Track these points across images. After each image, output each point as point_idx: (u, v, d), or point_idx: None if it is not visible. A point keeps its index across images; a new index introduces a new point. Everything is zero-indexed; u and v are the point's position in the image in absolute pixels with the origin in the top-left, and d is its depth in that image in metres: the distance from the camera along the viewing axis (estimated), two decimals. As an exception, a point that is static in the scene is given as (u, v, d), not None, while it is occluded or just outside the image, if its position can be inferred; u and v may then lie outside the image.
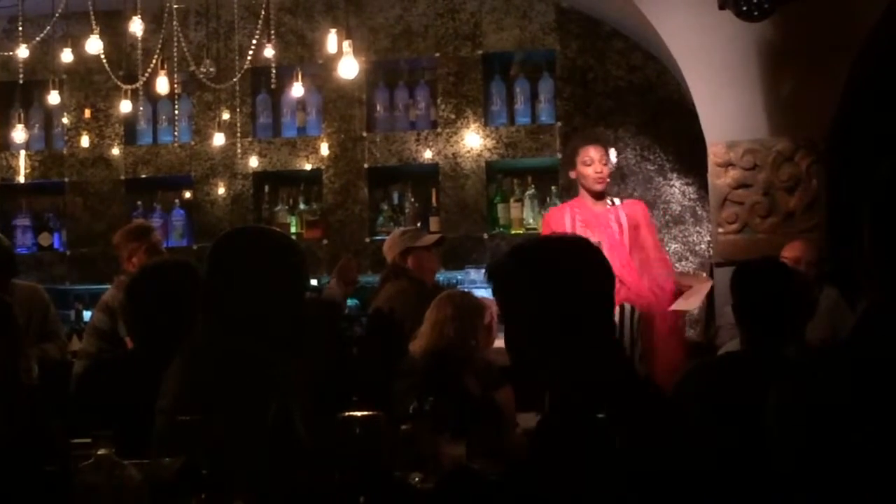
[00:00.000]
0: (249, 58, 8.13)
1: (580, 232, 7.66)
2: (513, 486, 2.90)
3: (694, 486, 2.68)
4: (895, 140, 7.84)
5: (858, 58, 8.14)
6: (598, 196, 7.73)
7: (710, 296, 8.33)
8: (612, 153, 7.88)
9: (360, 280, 9.43)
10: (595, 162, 7.69)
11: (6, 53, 8.88)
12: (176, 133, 9.85)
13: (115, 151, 10.32)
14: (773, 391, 2.33)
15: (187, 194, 10.39)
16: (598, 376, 2.86)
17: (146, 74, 7.90)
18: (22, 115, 10.23)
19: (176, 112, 9.33)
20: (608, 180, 7.80)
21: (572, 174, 7.86)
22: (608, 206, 7.73)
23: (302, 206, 10.14)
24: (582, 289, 2.93)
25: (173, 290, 4.40)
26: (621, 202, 7.84)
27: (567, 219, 7.76)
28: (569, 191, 9.40)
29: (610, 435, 2.66)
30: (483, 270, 9.05)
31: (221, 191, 10.16)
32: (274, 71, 7.96)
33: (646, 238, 7.76)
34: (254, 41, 7.96)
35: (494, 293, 3.02)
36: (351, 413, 3.35)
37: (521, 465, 3.00)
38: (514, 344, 3.00)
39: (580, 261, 2.99)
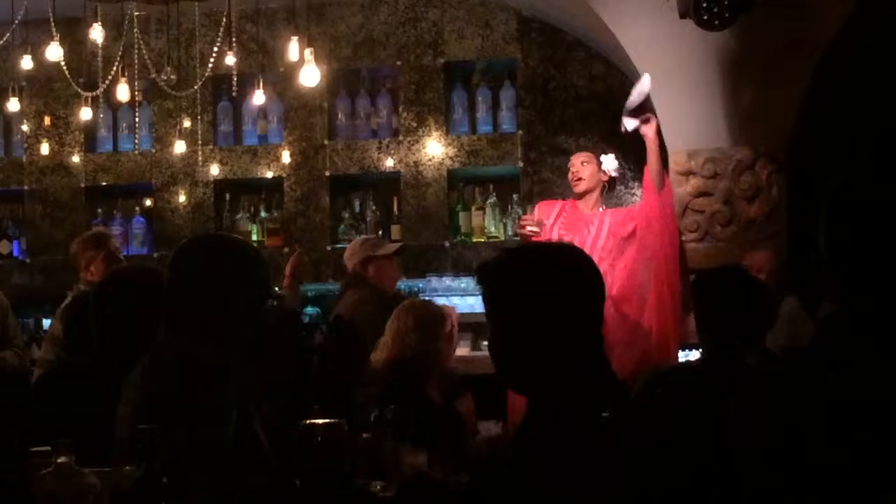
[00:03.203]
0: (210, 66, 8.10)
1: (558, 230, 7.84)
2: (479, 494, 2.89)
3: (663, 496, 2.68)
4: (855, 149, 7.87)
5: (819, 67, 8.18)
6: (589, 200, 8.09)
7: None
8: (606, 159, 8.14)
9: (321, 288, 9.45)
10: (571, 167, 8.23)
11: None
12: (136, 141, 9.81)
13: (75, 159, 10.27)
14: (733, 398, 2.33)
15: (148, 202, 10.36)
16: (582, 387, 2.85)
17: (107, 82, 7.86)
18: (-19, 122, 10.19)
19: (136, 120, 9.30)
20: (589, 179, 8.17)
21: None
22: (597, 212, 7.96)
23: (263, 215, 10.13)
24: (571, 297, 2.92)
25: (140, 297, 4.36)
26: (612, 209, 8.14)
27: (555, 212, 8.04)
28: (531, 199, 9.43)
29: (590, 445, 2.66)
30: (443, 278, 9.07)
31: (182, 199, 10.13)
32: (235, 79, 7.93)
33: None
34: (215, 49, 7.94)
35: (483, 296, 3.01)
36: (313, 421, 3.35)
37: (489, 472, 2.98)
38: (498, 348, 2.98)
39: (571, 269, 2.97)
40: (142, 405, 3.43)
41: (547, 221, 8.00)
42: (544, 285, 2.91)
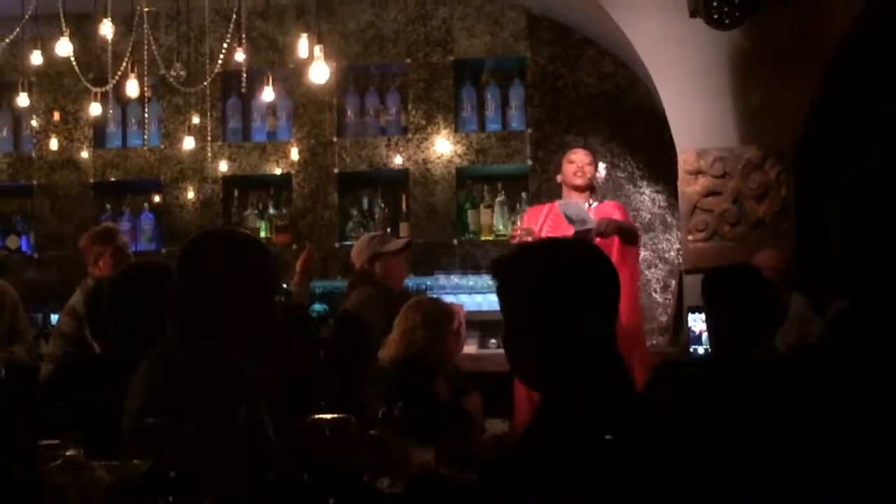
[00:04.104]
0: (220, 62, 8.09)
1: (546, 229, 7.79)
2: (487, 491, 2.89)
3: (668, 491, 2.68)
4: (864, 148, 7.86)
5: (828, 66, 8.17)
6: (577, 190, 7.95)
7: (679, 302, 8.37)
8: (602, 166, 8.13)
9: (329, 285, 9.45)
10: (577, 161, 8.13)
11: (-25, 55, 8.86)
12: (145, 136, 9.81)
13: (84, 154, 10.28)
14: (741, 395, 2.33)
15: (156, 198, 10.37)
16: (594, 383, 2.84)
17: (116, 77, 7.85)
18: (-10, 117, 10.20)
19: (146, 115, 9.31)
20: (589, 178, 8.13)
21: (559, 178, 8.27)
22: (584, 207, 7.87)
23: (271, 211, 10.13)
24: (587, 296, 2.91)
25: (153, 292, 4.36)
26: (598, 204, 8.04)
27: (542, 215, 8.02)
28: (539, 197, 9.43)
29: (597, 447, 2.66)
30: (451, 276, 9.04)
31: (191, 195, 10.14)
32: (244, 75, 7.93)
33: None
34: (225, 45, 7.93)
35: (497, 290, 3.00)
36: (321, 416, 3.35)
37: (499, 469, 2.98)
38: (511, 343, 2.98)
39: (588, 267, 2.96)
40: (149, 400, 3.43)
41: (535, 227, 7.99)
42: (558, 281, 2.90)
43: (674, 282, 9.25)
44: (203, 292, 3.61)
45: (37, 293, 9.79)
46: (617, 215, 7.98)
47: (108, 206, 10.29)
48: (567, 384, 2.86)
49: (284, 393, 3.78)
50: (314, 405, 3.98)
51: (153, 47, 8.00)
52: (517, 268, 2.99)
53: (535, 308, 2.89)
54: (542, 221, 8.06)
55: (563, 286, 2.89)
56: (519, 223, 8.20)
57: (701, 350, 7.14)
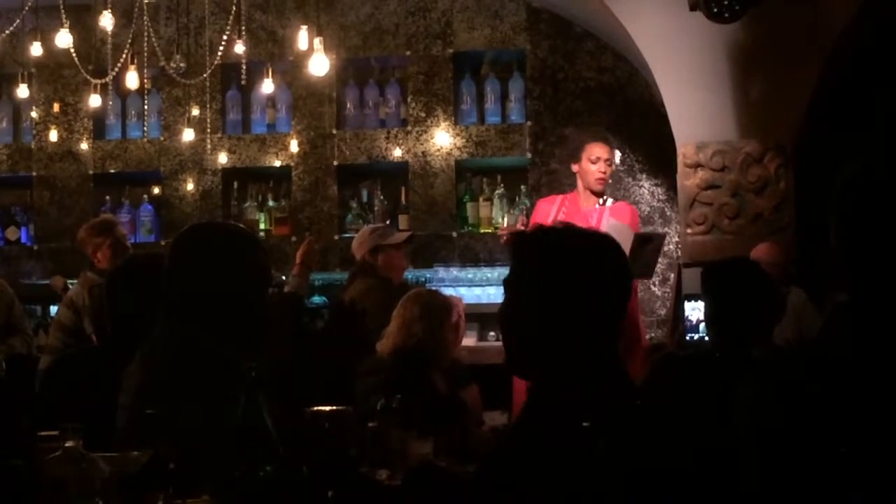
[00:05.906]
0: (220, 54, 8.08)
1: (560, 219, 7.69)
2: (484, 483, 2.89)
3: (667, 490, 2.68)
4: (864, 142, 7.86)
5: (828, 60, 8.17)
6: (594, 194, 7.78)
7: (678, 295, 8.37)
8: (617, 155, 7.97)
9: (328, 277, 9.45)
10: (601, 161, 7.78)
11: (-26, 46, 8.85)
12: (145, 128, 9.82)
13: (84, 146, 10.28)
14: (740, 390, 2.33)
15: (156, 190, 10.37)
16: (590, 378, 2.84)
17: (116, 69, 7.84)
18: (-10, 108, 10.20)
19: (145, 107, 9.31)
20: (608, 180, 7.89)
21: (574, 167, 7.93)
22: (597, 207, 7.74)
23: (271, 203, 10.14)
24: (597, 288, 2.90)
25: (153, 284, 4.36)
26: (613, 203, 7.85)
27: (554, 209, 7.84)
28: (539, 190, 9.42)
29: (589, 439, 2.65)
30: (450, 268, 9.02)
31: (190, 186, 10.14)
32: (244, 67, 7.92)
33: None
34: (224, 37, 7.92)
35: (511, 267, 2.99)
36: (319, 408, 3.35)
37: (495, 460, 2.98)
38: (512, 324, 2.97)
39: (604, 260, 2.95)
40: (141, 393, 3.43)
41: (546, 221, 7.88)
42: (574, 267, 2.89)
43: (672, 275, 9.26)
44: (194, 285, 3.61)
45: (36, 285, 9.80)
46: (626, 220, 7.85)
47: (107, 197, 10.29)
48: (559, 376, 2.86)
49: (280, 384, 3.77)
50: (311, 397, 3.97)
51: (153, 39, 7.99)
52: (535, 247, 2.98)
53: (544, 291, 2.89)
54: (556, 212, 7.98)
55: (576, 274, 2.88)
56: (522, 219, 8.01)
57: (697, 338, 7.15)
